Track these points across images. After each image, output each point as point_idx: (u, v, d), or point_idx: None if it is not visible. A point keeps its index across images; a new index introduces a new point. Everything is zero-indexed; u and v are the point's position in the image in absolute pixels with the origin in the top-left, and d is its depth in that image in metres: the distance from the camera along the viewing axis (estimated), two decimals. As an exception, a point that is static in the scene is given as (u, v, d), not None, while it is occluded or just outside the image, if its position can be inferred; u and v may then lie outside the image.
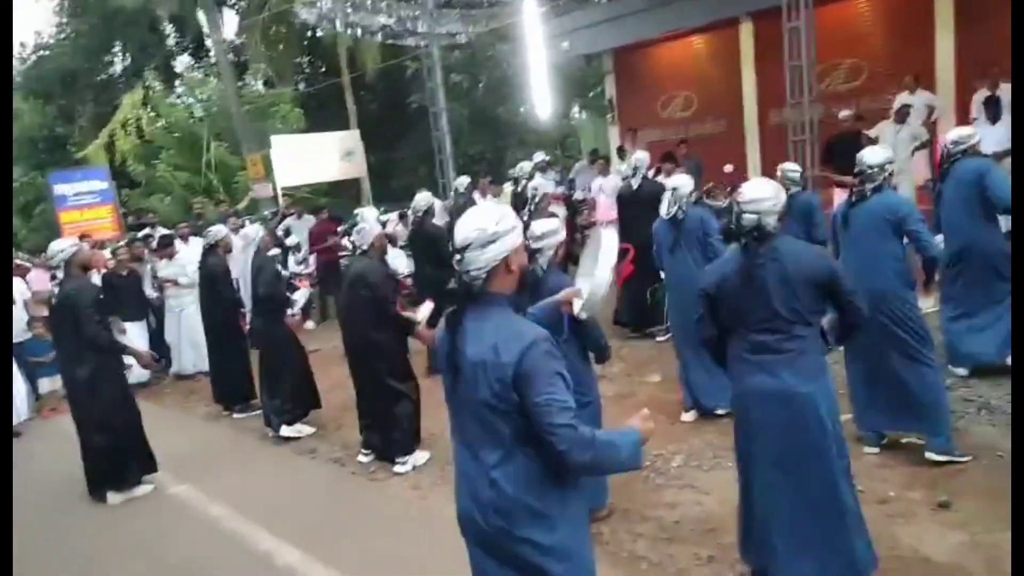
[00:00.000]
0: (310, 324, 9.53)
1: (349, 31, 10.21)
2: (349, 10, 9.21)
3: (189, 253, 8.73)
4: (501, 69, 21.41)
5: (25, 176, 20.65)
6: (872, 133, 8.38)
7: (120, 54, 25.93)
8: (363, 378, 4.81)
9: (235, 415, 6.43)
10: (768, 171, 10.91)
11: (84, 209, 11.01)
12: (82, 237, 9.64)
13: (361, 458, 4.91)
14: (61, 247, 4.65)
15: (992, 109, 7.28)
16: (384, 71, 19.99)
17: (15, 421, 6.59)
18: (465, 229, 1.87)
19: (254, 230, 9.31)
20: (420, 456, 4.76)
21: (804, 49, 7.60)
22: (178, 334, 8.17)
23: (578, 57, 15.33)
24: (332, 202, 16.37)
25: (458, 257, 1.88)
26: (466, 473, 1.99)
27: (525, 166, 9.17)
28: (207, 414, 6.65)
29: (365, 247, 4.76)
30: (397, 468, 4.67)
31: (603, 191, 9.32)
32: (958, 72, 9.67)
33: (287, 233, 10.09)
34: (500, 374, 1.81)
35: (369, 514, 4.22)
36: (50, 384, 7.21)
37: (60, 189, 10.97)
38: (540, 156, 9.74)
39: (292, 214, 10.50)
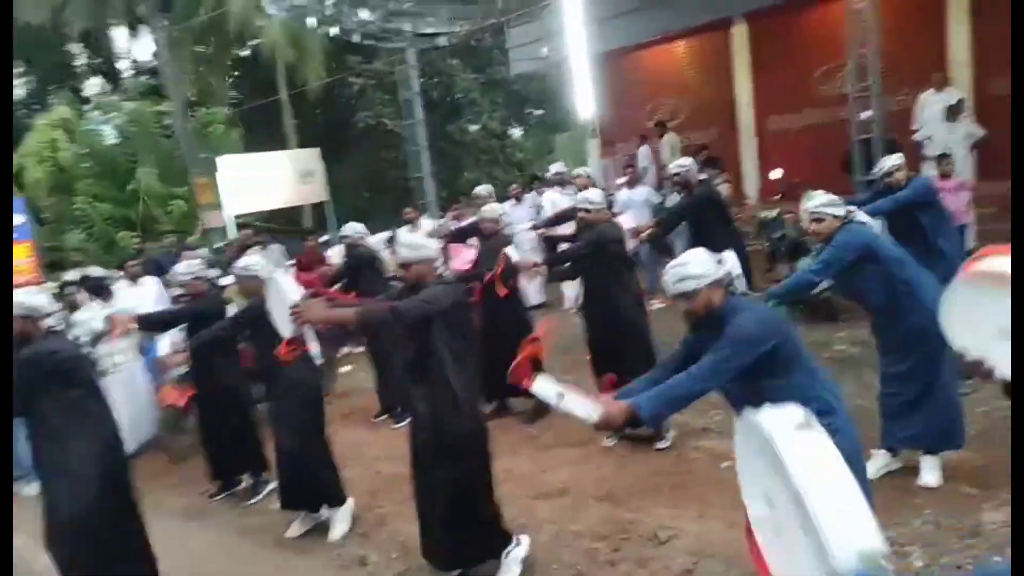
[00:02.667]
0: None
1: (322, 29, 8.85)
2: (329, 2, 7.84)
3: (140, 295, 7.18)
4: (453, 84, 20.32)
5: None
6: (920, 136, 7.67)
7: (24, 77, 23.47)
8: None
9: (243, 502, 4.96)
10: (768, 179, 10.18)
11: (-5, 248, 9.11)
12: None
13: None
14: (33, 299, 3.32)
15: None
16: (328, 87, 18.53)
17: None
18: None
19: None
20: (519, 551, 3.44)
21: (873, 34, 6.75)
22: (127, 398, 6.50)
23: (547, 65, 14.36)
24: (277, 231, 14.74)
25: None
26: None
27: (481, 190, 7.73)
28: (188, 508, 5.09)
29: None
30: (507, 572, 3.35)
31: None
32: (977, 66, 9.13)
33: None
34: None
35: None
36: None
37: (-37, 225, 9.03)
38: (558, 166, 8.58)
39: (256, 244, 8.96)
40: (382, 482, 4.79)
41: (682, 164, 5.99)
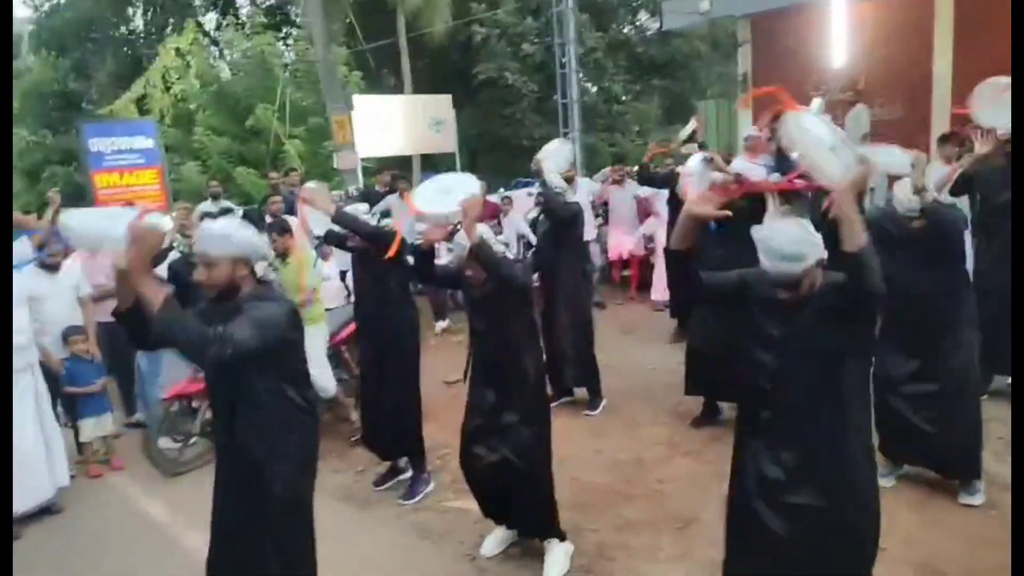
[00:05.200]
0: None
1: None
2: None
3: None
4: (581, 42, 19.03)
5: (32, 135, 18.16)
6: None
7: (141, 7, 23.55)
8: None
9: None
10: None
11: (125, 171, 8.62)
12: (129, 206, 7.37)
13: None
14: None
15: None
16: (449, 35, 17.64)
17: (54, 489, 4.26)
18: None
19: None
20: None
21: None
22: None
23: (703, 21, 13.01)
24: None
25: None
26: None
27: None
28: (350, 492, 4.32)
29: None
30: None
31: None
32: None
33: (385, 215, 7.90)
34: None
35: None
36: (96, 427, 4.83)
37: (97, 144, 8.55)
38: (751, 130, 7.42)
39: (393, 191, 8.21)
40: (585, 495, 3.91)
41: None
